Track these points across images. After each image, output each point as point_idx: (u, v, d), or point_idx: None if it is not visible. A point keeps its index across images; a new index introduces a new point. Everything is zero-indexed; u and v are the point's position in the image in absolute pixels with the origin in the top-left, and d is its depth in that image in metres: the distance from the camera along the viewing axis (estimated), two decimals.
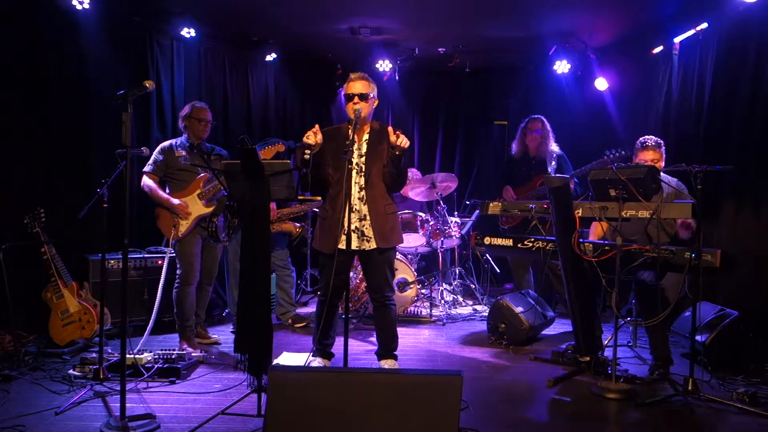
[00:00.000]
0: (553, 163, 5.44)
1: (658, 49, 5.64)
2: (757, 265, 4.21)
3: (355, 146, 3.65)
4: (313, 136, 3.48)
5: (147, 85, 2.98)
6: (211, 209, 4.17)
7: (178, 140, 4.42)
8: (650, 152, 4.06)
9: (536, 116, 5.59)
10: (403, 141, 3.49)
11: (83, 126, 4.95)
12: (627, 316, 4.48)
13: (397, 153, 3.53)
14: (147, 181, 4.29)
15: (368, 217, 3.66)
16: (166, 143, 4.41)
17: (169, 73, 5.63)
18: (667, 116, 5.50)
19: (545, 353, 4.32)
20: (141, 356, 3.71)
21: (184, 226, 4.23)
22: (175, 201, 4.22)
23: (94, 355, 3.74)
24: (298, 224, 5.22)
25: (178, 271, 4.32)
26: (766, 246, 4.19)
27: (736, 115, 4.58)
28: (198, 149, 4.36)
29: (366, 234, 3.66)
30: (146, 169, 4.32)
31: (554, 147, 5.51)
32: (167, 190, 4.33)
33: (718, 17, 4.79)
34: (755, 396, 3.39)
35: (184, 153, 4.32)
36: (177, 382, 3.62)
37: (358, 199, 3.65)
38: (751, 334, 3.99)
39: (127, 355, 3.36)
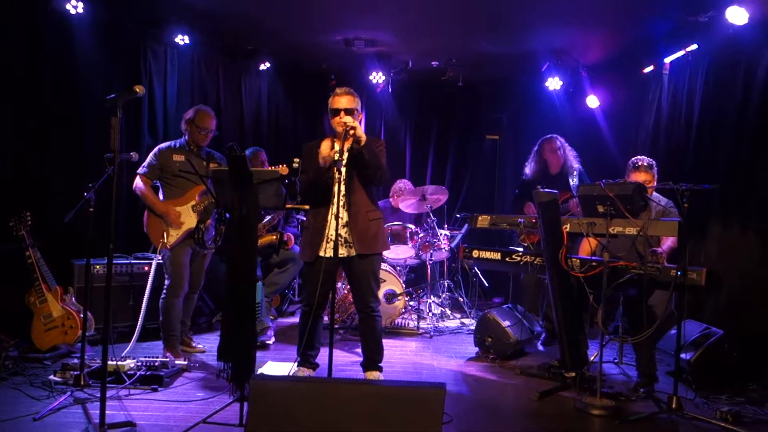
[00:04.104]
0: (575, 179, 5.30)
1: (648, 69, 5.70)
2: (743, 284, 4.24)
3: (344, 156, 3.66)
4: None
5: (137, 89, 2.98)
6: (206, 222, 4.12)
7: (177, 143, 4.32)
8: (642, 174, 4.06)
9: (551, 135, 5.40)
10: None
11: (74, 130, 4.92)
12: (614, 332, 4.48)
13: (355, 147, 3.56)
14: (139, 184, 4.20)
15: (350, 224, 3.66)
16: (165, 145, 4.31)
17: (162, 80, 5.63)
18: (656, 135, 5.55)
19: (531, 368, 4.31)
20: (123, 363, 3.68)
21: (174, 236, 4.14)
22: (167, 209, 4.13)
23: (75, 361, 3.70)
24: (273, 233, 5.30)
25: (166, 281, 4.24)
26: (752, 265, 4.21)
27: (724, 135, 4.63)
28: (197, 155, 4.27)
29: (349, 240, 3.66)
30: (140, 170, 4.23)
31: (575, 163, 5.37)
32: (161, 196, 4.24)
33: (708, 39, 4.84)
34: (738, 415, 3.39)
35: (182, 158, 4.20)
36: (159, 389, 3.58)
37: (341, 206, 3.66)
38: (735, 353, 4.00)
39: (110, 362, 3.33)
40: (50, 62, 4.76)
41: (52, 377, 3.62)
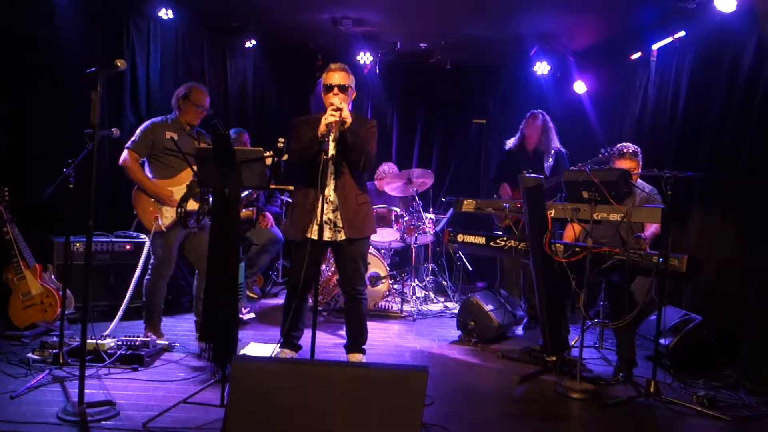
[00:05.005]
0: (551, 159, 5.23)
1: (636, 55, 5.70)
2: (721, 272, 4.28)
3: (330, 136, 3.60)
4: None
5: (118, 64, 2.91)
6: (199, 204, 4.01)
7: (169, 119, 4.07)
8: (627, 161, 4.07)
9: (536, 111, 5.34)
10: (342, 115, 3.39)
11: (54, 104, 4.82)
12: (595, 317, 4.52)
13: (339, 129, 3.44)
14: (127, 159, 3.94)
15: (339, 207, 3.63)
16: (158, 120, 4.06)
17: (144, 55, 5.52)
18: (642, 121, 5.57)
19: (513, 352, 4.34)
20: (103, 342, 3.64)
21: (168, 218, 3.93)
22: (160, 188, 3.91)
23: (54, 339, 3.65)
24: (250, 208, 5.38)
25: (152, 262, 4.08)
26: (733, 253, 4.25)
27: (708, 123, 4.64)
28: (188, 133, 4.07)
29: (338, 225, 3.63)
30: (128, 145, 3.97)
31: (555, 144, 5.28)
32: (148, 173, 4.00)
33: (696, 26, 4.84)
34: (714, 399, 3.45)
35: (176, 136, 3.91)
36: (140, 369, 3.55)
37: (332, 189, 3.62)
38: (712, 339, 4.07)
39: (90, 341, 3.29)
40: (29, 35, 4.63)
41: (30, 355, 3.56)
